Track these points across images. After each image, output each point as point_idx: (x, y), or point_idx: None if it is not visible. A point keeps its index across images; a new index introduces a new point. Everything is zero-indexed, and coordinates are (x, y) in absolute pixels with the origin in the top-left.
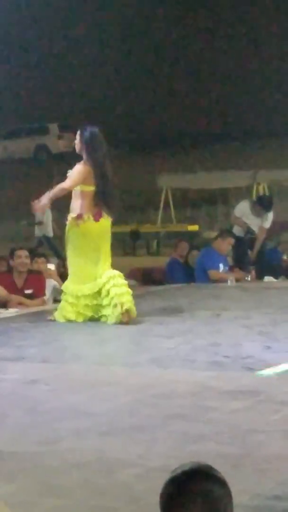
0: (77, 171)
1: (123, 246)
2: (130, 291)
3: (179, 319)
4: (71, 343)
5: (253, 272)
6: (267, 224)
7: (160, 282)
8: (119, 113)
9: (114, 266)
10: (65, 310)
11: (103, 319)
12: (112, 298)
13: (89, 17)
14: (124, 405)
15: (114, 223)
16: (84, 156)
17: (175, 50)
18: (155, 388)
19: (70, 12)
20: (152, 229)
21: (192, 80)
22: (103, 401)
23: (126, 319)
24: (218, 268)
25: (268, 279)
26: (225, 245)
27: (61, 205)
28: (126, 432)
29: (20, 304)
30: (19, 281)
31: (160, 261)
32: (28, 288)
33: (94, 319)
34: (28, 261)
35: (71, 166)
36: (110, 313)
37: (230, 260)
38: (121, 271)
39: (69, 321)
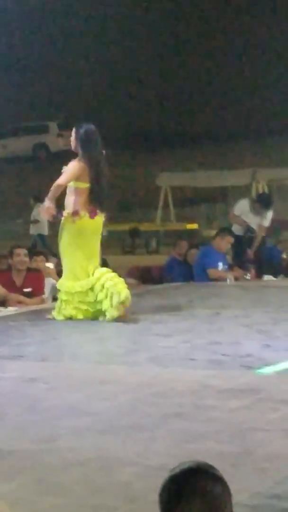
0: (71, 167)
1: (123, 245)
2: (123, 280)
3: (178, 317)
4: (70, 342)
5: (253, 271)
6: (266, 222)
7: (159, 281)
8: (118, 112)
9: (113, 264)
10: (62, 308)
11: (101, 317)
12: (107, 289)
13: (90, 14)
14: (123, 403)
15: (113, 222)
16: (79, 153)
17: (175, 49)
18: (154, 386)
19: (70, 10)
20: (152, 227)
21: (192, 79)
22: (102, 399)
23: (122, 311)
24: (217, 266)
25: (267, 277)
26: (224, 244)
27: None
28: (125, 431)
29: (19, 302)
30: (18, 280)
31: (159, 260)
32: (27, 287)
33: (93, 317)
34: (27, 259)
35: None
36: (108, 306)
37: (229, 259)
38: (120, 269)
39: (68, 318)
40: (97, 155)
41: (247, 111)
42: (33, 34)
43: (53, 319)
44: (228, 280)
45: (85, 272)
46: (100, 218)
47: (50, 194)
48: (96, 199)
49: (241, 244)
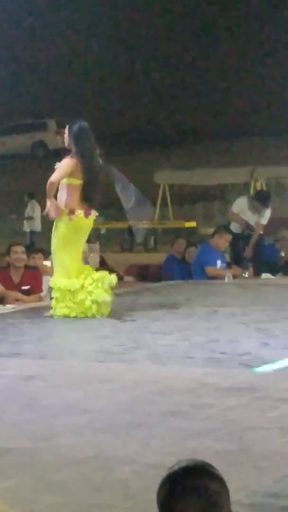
0: (64, 164)
1: (121, 242)
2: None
3: (176, 315)
4: (68, 339)
5: (251, 269)
6: (264, 220)
7: (157, 279)
8: (117, 110)
9: (111, 262)
10: (57, 306)
11: (89, 315)
12: (89, 292)
13: (89, 14)
14: (122, 401)
15: (111, 219)
16: (72, 150)
17: (175, 47)
18: (153, 384)
19: (70, 10)
20: (150, 225)
21: (191, 77)
22: (100, 397)
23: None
24: (215, 264)
25: (265, 275)
26: (222, 242)
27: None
28: (123, 429)
29: (17, 300)
30: (16, 277)
31: (157, 258)
32: (25, 284)
33: (84, 316)
34: (24, 256)
35: None
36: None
37: (227, 257)
38: (118, 267)
39: (64, 316)
40: (90, 152)
41: (245, 109)
42: (33, 31)
43: (51, 316)
44: (226, 278)
45: (76, 270)
46: (93, 217)
47: (48, 193)
48: (88, 195)
49: (239, 242)
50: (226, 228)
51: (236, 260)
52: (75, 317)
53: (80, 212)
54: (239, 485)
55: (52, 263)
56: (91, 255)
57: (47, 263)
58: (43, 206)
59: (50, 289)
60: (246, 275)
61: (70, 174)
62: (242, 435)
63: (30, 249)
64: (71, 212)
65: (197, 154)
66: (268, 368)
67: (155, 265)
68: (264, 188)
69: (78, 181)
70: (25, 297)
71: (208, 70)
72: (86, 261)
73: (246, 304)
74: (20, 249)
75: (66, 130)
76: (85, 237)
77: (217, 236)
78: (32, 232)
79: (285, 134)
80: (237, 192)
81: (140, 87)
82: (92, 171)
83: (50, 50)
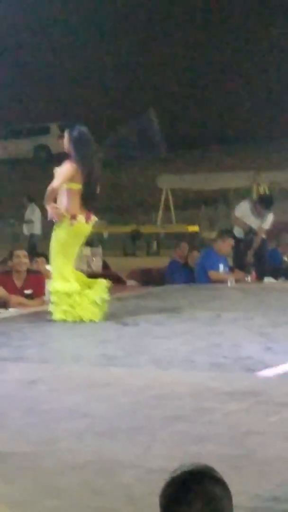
0: (64, 169)
1: (123, 247)
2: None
3: (178, 320)
4: (70, 344)
5: (254, 273)
6: (267, 225)
7: (160, 283)
8: (119, 115)
9: (114, 266)
10: (54, 310)
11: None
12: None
13: (90, 15)
14: (123, 406)
15: (114, 224)
16: (72, 154)
17: (176, 51)
18: (155, 389)
19: (71, 10)
20: (152, 229)
21: (193, 81)
22: (102, 402)
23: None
24: (218, 269)
25: (268, 280)
26: (225, 246)
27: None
28: (125, 433)
29: (19, 304)
30: (18, 281)
31: (160, 262)
32: (27, 288)
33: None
34: (27, 260)
35: None
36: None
37: (230, 261)
38: (121, 271)
39: (63, 320)
40: (90, 157)
41: (248, 113)
42: (34, 35)
43: (54, 321)
44: (229, 283)
45: (73, 274)
46: (92, 222)
47: (47, 198)
48: (88, 200)
49: (242, 246)
50: (229, 233)
51: (239, 264)
52: (74, 321)
53: (81, 218)
54: (241, 489)
55: None
56: (94, 259)
57: (49, 267)
58: (42, 210)
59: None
60: (249, 280)
61: (70, 179)
62: (244, 439)
63: (33, 253)
64: (73, 217)
65: (200, 158)
66: (271, 373)
67: (158, 269)
68: (267, 193)
69: (77, 186)
70: (27, 302)
71: (211, 74)
72: (88, 265)
73: (249, 308)
74: (22, 253)
75: (66, 135)
76: (82, 242)
77: (220, 241)
78: (32, 236)
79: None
80: (240, 196)
81: (143, 92)
82: (92, 176)
83: (53, 54)
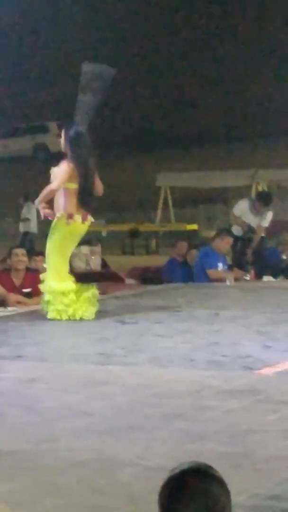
0: (62, 171)
1: (122, 245)
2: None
3: (177, 318)
4: (69, 342)
5: (253, 272)
6: (266, 223)
7: (159, 281)
8: (119, 113)
9: (113, 265)
10: (48, 309)
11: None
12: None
13: (91, 14)
14: (123, 404)
15: (113, 222)
16: (68, 154)
17: (176, 50)
18: (154, 387)
19: (71, 11)
20: (151, 228)
21: (193, 80)
22: (101, 400)
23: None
24: (217, 267)
25: (267, 278)
26: (224, 245)
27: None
28: (124, 432)
29: (18, 302)
30: (17, 280)
31: (159, 260)
32: (26, 287)
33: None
34: (25, 259)
35: None
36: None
37: (229, 260)
38: (120, 270)
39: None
40: (86, 156)
41: (247, 112)
42: (34, 34)
43: (53, 319)
44: (228, 281)
45: (67, 274)
46: (88, 223)
47: (42, 198)
48: (84, 200)
49: (241, 245)
50: (227, 231)
51: (238, 263)
52: (68, 319)
53: (78, 217)
54: (240, 488)
55: None
56: (93, 257)
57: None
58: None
59: None
60: (248, 278)
61: (67, 179)
62: (243, 437)
63: (31, 252)
64: (69, 216)
65: (199, 156)
66: (270, 371)
67: (157, 267)
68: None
69: (74, 186)
70: (26, 300)
71: (210, 73)
72: (87, 263)
73: (248, 307)
74: (20, 251)
75: (62, 134)
76: (77, 242)
77: (219, 239)
78: (26, 233)
79: (287, 137)
80: (239, 195)
81: (142, 91)
82: (88, 176)
83: (54, 51)
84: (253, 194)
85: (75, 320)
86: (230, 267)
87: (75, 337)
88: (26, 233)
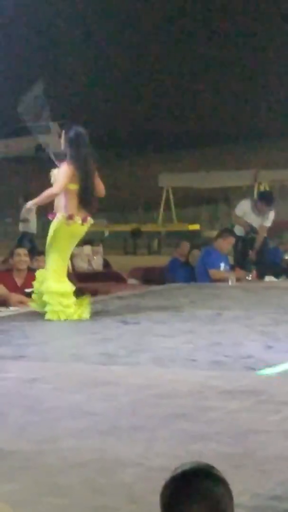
0: (63, 173)
1: (124, 245)
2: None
3: (179, 318)
4: (71, 342)
5: (254, 272)
6: (268, 222)
7: (161, 282)
8: (121, 113)
9: (115, 265)
10: (47, 310)
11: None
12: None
13: (91, 15)
14: (125, 404)
15: (115, 222)
16: (68, 155)
17: (179, 51)
18: (156, 387)
19: (71, 11)
20: (153, 228)
21: (195, 81)
22: (103, 400)
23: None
24: (219, 267)
25: (269, 278)
26: (226, 245)
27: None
28: (126, 432)
29: (20, 302)
30: (19, 280)
31: (161, 260)
32: (28, 287)
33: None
34: (27, 259)
35: None
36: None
37: (231, 260)
38: (122, 270)
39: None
40: (86, 156)
41: (249, 112)
42: (36, 34)
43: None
44: (230, 281)
45: (65, 274)
46: (88, 224)
47: (39, 200)
48: (85, 201)
49: (243, 245)
50: (229, 231)
51: (240, 263)
52: (65, 319)
53: (78, 219)
54: (242, 488)
55: None
56: (95, 257)
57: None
58: (39, 210)
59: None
60: (250, 278)
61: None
62: (245, 438)
63: (33, 252)
64: (70, 217)
65: (201, 157)
66: (272, 371)
67: (159, 268)
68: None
69: (74, 186)
70: (28, 300)
71: (212, 74)
72: (89, 263)
73: (250, 307)
74: (22, 251)
75: (62, 134)
76: (75, 243)
77: (221, 239)
78: (25, 234)
79: None
80: (241, 195)
81: (144, 91)
82: (88, 177)
83: (55, 52)
84: (255, 194)
85: (70, 320)
86: (232, 267)
87: (77, 337)
88: (25, 233)
